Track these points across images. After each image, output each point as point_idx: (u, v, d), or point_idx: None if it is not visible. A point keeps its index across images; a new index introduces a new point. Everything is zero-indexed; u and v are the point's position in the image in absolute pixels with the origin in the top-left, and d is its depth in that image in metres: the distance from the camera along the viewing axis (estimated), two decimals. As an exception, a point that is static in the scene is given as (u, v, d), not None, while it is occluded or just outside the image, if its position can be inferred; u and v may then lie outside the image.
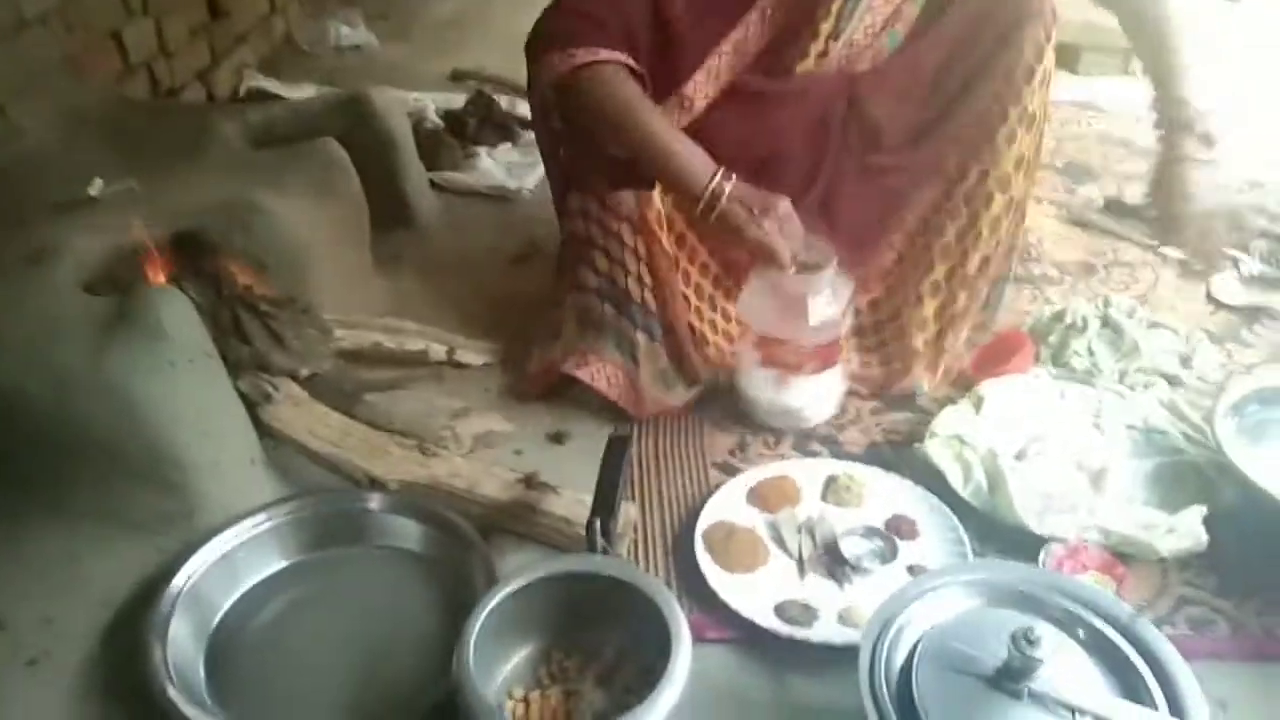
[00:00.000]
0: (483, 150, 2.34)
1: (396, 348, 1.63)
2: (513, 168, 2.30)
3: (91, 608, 1.22)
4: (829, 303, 1.42)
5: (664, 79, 1.44)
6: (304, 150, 1.74)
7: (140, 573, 1.25)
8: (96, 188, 1.64)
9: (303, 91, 2.63)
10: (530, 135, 2.43)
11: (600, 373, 1.52)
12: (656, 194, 1.46)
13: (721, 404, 1.56)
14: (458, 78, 2.87)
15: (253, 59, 2.86)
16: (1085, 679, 0.94)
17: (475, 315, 1.81)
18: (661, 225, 1.47)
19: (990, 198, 1.49)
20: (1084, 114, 2.56)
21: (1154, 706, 0.92)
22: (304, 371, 1.47)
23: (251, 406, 1.38)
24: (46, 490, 1.29)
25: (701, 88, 1.48)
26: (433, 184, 2.18)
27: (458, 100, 2.56)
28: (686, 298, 1.55)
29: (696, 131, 1.44)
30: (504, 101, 2.57)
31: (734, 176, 1.36)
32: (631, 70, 1.37)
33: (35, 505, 1.29)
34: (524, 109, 2.58)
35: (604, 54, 1.35)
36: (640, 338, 1.51)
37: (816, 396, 1.50)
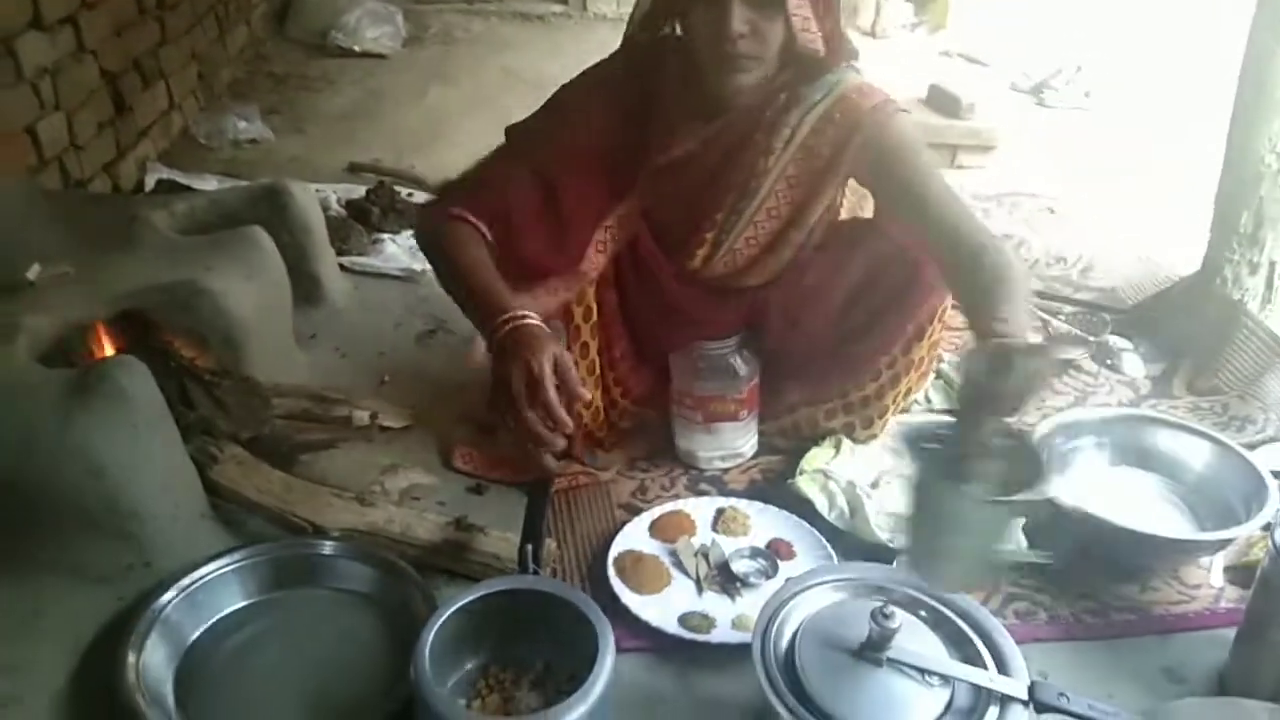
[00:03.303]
0: (386, 236, 2.52)
1: (324, 414, 1.78)
2: (415, 251, 2.48)
3: (58, 654, 1.33)
4: (747, 360, 1.69)
5: (567, 253, 1.55)
6: (233, 236, 1.89)
7: (102, 620, 1.37)
8: (34, 272, 1.75)
9: (205, 183, 2.76)
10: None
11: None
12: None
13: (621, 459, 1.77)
14: (355, 170, 3.05)
15: (153, 152, 2.98)
16: (930, 648, 1.18)
17: (389, 386, 1.99)
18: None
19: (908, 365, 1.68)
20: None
21: (984, 666, 1.16)
22: (245, 435, 1.61)
23: (200, 467, 1.52)
24: (11, 546, 1.40)
25: (593, 260, 1.59)
26: (342, 267, 2.35)
27: (357, 191, 2.75)
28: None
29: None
30: (402, 191, 2.76)
31: (522, 324, 1.31)
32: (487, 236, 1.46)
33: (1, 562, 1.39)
34: (421, 198, 2.79)
35: (460, 211, 1.45)
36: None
37: (747, 434, 1.75)
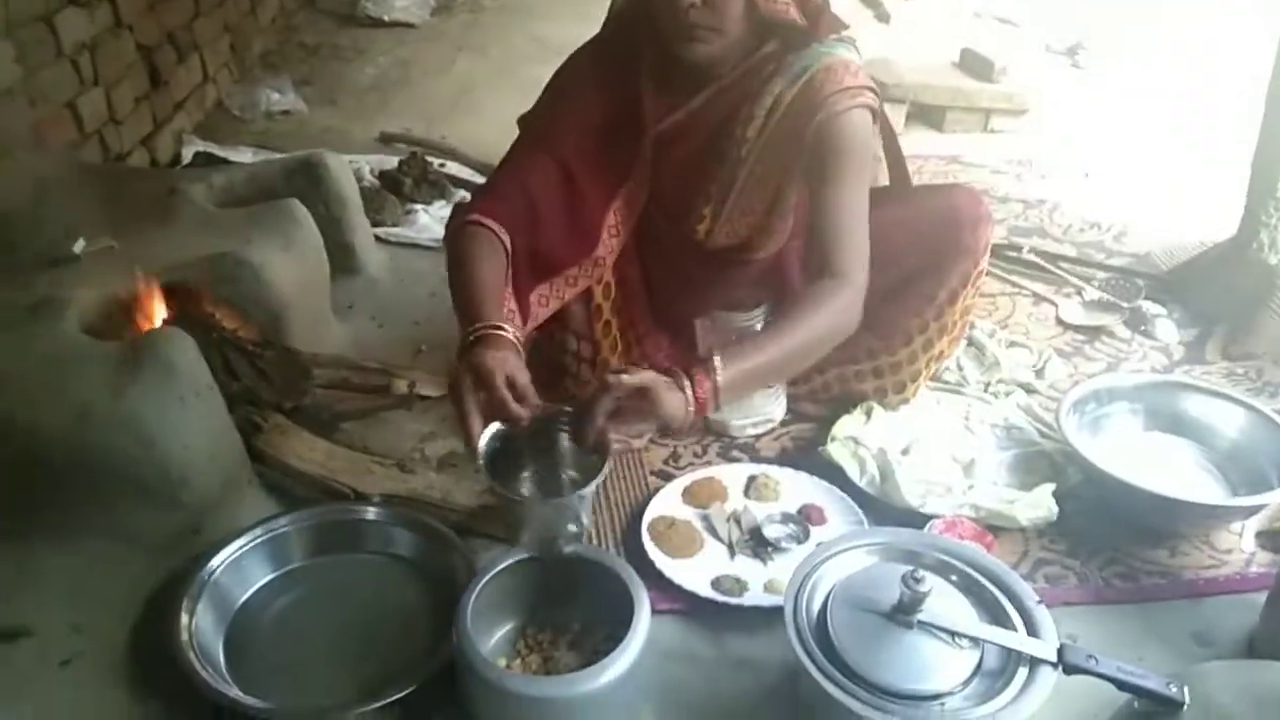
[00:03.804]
0: (419, 207, 2.55)
1: (363, 383, 1.82)
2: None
3: (114, 616, 1.38)
4: None
5: (584, 238, 1.58)
6: (271, 209, 1.93)
7: (155, 585, 1.42)
8: (79, 246, 1.80)
9: (241, 155, 2.80)
10: (462, 192, 2.66)
11: None
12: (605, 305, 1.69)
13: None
14: (386, 140, 3.07)
15: (189, 125, 3.02)
16: (959, 610, 1.20)
17: (425, 355, 2.02)
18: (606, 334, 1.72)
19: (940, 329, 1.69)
20: (950, 166, 2.91)
21: (1013, 628, 1.18)
22: (288, 404, 1.65)
23: (244, 435, 1.56)
24: (61, 515, 1.45)
25: (606, 244, 1.60)
26: (376, 238, 2.37)
27: (389, 161, 2.77)
28: None
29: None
30: (434, 162, 2.78)
31: (493, 337, 1.27)
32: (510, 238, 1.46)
33: (51, 529, 1.45)
34: (453, 169, 2.81)
35: (477, 216, 1.45)
36: None
37: (776, 399, 1.78)
